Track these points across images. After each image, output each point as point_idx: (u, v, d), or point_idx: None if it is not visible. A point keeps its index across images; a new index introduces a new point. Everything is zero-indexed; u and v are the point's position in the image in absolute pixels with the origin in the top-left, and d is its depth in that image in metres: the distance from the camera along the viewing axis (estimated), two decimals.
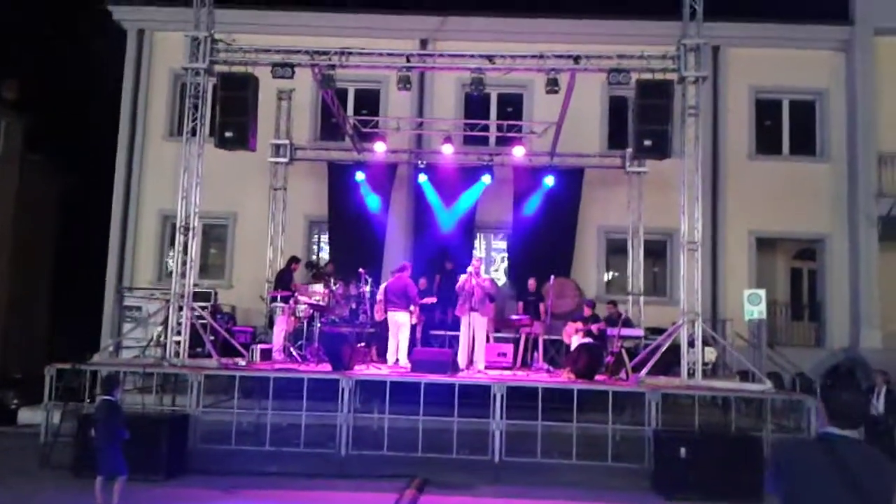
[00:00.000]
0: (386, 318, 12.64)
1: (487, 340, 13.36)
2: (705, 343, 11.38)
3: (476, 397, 10.34)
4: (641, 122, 11.21)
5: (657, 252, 17.47)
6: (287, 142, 16.36)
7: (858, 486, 2.88)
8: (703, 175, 11.71)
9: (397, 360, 12.16)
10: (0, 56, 22.29)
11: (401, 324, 12.29)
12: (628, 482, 9.64)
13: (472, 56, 11.82)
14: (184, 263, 11.23)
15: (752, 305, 12.76)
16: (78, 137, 23.38)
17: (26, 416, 13.40)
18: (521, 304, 14.69)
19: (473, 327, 12.16)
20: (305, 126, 17.61)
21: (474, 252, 17.39)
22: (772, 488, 3.16)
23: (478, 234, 17.58)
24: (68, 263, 26.72)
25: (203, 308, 12.12)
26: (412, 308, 12.51)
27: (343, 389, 10.04)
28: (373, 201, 16.53)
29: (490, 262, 18.18)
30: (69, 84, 23.51)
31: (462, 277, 12.30)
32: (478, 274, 12.29)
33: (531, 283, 14.61)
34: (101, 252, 17.94)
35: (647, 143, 11.13)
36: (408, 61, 11.76)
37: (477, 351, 12.20)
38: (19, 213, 24.69)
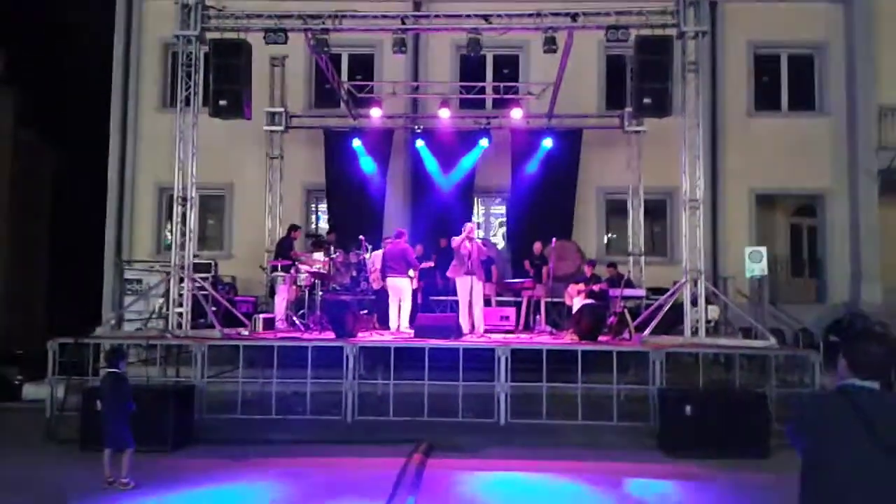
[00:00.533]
0: (385, 286, 12.62)
1: (488, 304, 13.38)
2: (707, 301, 11.38)
3: (481, 361, 10.35)
4: (641, 79, 11.09)
5: (657, 211, 17.40)
6: (282, 109, 16.20)
7: (883, 437, 2.85)
8: (702, 133, 11.62)
9: (399, 326, 12.14)
10: None
11: (401, 289, 12.25)
12: (633, 441, 9.70)
13: (467, 16, 11.62)
14: (182, 235, 11.17)
15: (753, 262, 12.77)
16: (70, 111, 23.15)
17: (31, 391, 13.42)
18: (527, 261, 14.61)
19: (472, 291, 12.13)
20: (300, 93, 17.42)
21: (472, 217, 17.39)
22: (794, 442, 3.14)
23: (476, 199, 17.47)
24: (66, 238, 26.65)
25: (203, 279, 12.07)
26: (412, 273, 12.45)
27: (347, 356, 10.04)
28: (370, 168, 16.42)
29: (489, 226, 18.12)
30: (59, 57, 23.21)
31: (455, 239, 12.18)
32: (470, 237, 12.19)
33: (536, 246, 14.53)
34: (98, 226, 17.85)
35: (647, 100, 11.02)
36: (402, 23, 11.60)
37: (476, 315, 12.17)
38: (14, 190, 24.58)
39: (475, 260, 12.01)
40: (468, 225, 12.53)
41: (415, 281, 12.78)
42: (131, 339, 11.18)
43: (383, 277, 12.58)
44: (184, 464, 8.77)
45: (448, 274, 12.41)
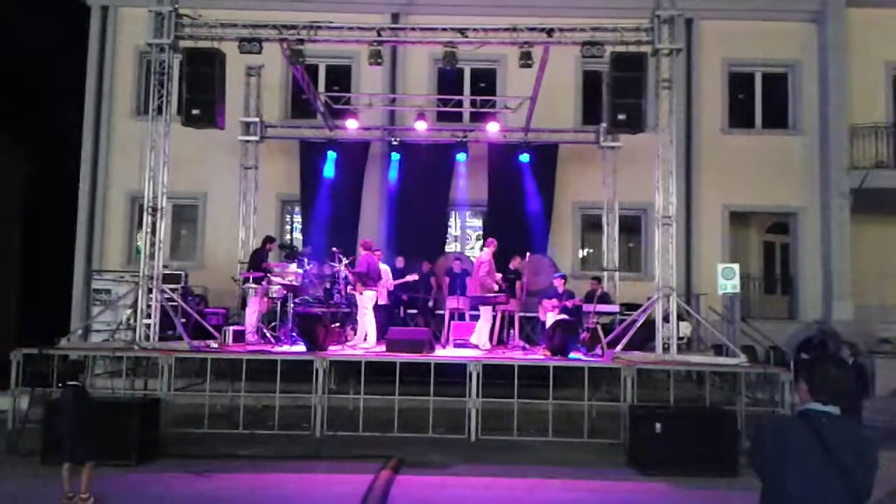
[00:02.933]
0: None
1: (462, 318, 13.33)
2: (680, 318, 11.40)
3: (452, 375, 10.28)
4: (615, 95, 11.11)
5: (632, 227, 17.47)
6: (257, 120, 16.10)
7: (839, 463, 2.83)
8: (676, 149, 11.68)
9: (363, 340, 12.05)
10: None
11: (360, 304, 12.15)
12: (604, 458, 9.67)
13: (444, 29, 11.60)
14: (152, 245, 11.00)
15: (726, 279, 12.79)
16: (43, 118, 22.84)
17: None
18: (500, 275, 14.57)
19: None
20: (276, 104, 17.32)
21: (448, 230, 17.36)
22: (753, 465, 3.10)
23: (453, 213, 17.44)
24: (36, 247, 26.21)
25: (173, 290, 11.90)
26: (372, 287, 12.25)
27: (317, 370, 9.92)
28: (346, 180, 16.34)
29: (465, 240, 18.08)
30: (33, 63, 22.91)
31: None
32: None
33: (515, 261, 14.46)
34: (70, 235, 17.58)
35: (621, 116, 11.04)
36: (378, 35, 11.53)
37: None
38: None
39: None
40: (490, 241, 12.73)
41: (379, 295, 12.54)
42: (97, 351, 10.99)
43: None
44: (148, 479, 8.61)
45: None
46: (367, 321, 12.01)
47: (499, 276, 12.57)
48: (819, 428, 2.91)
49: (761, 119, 17.81)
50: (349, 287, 12.48)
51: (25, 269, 27.07)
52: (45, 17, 21.62)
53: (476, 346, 12.09)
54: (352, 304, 12.64)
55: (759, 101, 17.83)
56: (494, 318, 12.64)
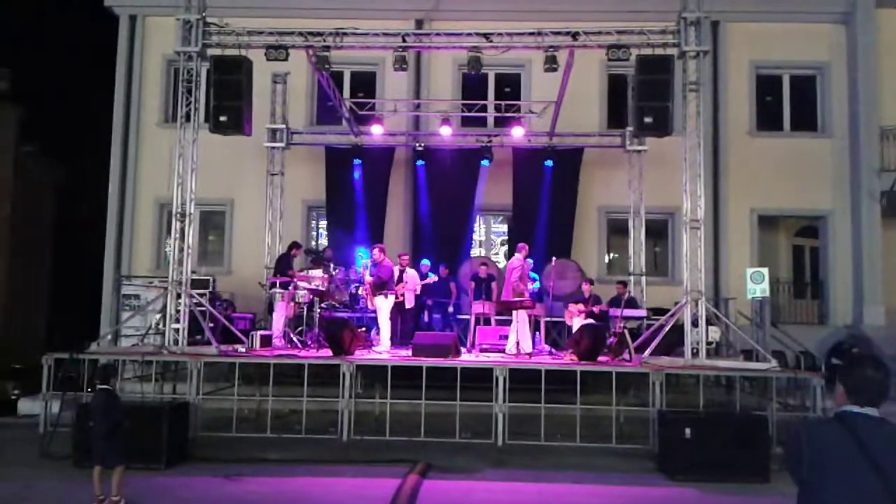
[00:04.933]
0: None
1: (488, 323, 13.30)
2: (708, 322, 11.27)
3: (478, 380, 10.26)
4: (642, 98, 11.04)
5: (658, 231, 17.33)
6: (283, 126, 16.21)
7: (879, 466, 2.77)
8: (704, 152, 11.56)
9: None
10: None
11: (378, 309, 12.21)
12: (633, 463, 9.60)
13: (468, 35, 11.61)
14: (180, 250, 11.10)
15: (755, 284, 12.64)
16: (72, 127, 23.22)
17: (26, 406, 13.31)
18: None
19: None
20: (302, 110, 17.46)
21: (474, 235, 17.36)
22: (791, 470, 3.05)
23: (477, 218, 17.43)
24: (67, 253, 26.64)
25: (201, 295, 12.00)
26: (386, 292, 12.26)
27: (344, 374, 9.95)
28: (371, 185, 16.41)
29: (490, 245, 18.06)
30: (62, 73, 23.31)
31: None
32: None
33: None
34: (99, 241, 17.83)
35: (648, 119, 10.97)
36: (403, 41, 11.57)
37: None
38: (17, 204, 24.57)
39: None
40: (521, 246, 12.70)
41: (392, 299, 12.53)
42: (127, 355, 11.11)
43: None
44: (177, 482, 8.67)
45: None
46: (382, 326, 12.08)
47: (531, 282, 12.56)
48: (857, 430, 2.85)
49: (790, 121, 17.62)
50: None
51: (57, 275, 27.50)
52: (74, 27, 21.99)
53: (520, 354, 11.95)
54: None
55: (788, 103, 17.64)
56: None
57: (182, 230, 11.15)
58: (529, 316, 13.33)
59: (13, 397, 16.99)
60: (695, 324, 10.71)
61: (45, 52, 21.83)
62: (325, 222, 17.27)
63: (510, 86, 17.66)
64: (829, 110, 17.34)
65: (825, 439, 2.92)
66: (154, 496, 7.95)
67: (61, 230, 27.45)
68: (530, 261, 13.50)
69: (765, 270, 12.84)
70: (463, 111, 16.53)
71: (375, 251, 12.46)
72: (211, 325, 11.51)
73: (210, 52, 11.54)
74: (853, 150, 16.93)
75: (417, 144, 16.47)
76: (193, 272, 11.84)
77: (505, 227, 17.84)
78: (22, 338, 24.73)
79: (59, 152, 24.51)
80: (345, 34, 11.51)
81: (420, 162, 16.45)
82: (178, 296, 10.99)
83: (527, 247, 12.78)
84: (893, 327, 15.68)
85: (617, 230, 17.13)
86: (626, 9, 15.89)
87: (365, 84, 17.70)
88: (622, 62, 11.71)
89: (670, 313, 11.26)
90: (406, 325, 12.38)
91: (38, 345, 20.64)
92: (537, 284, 13.81)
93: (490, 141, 16.17)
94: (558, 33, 11.43)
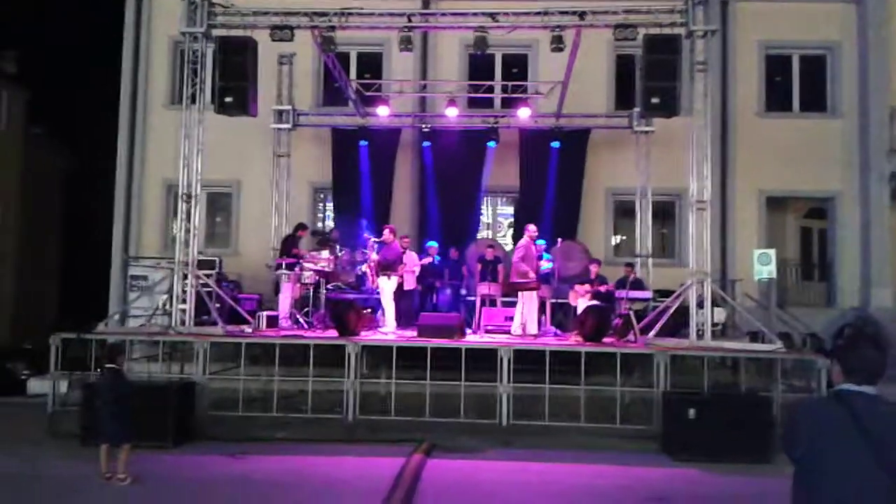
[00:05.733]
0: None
1: (493, 304, 13.31)
2: (714, 303, 11.26)
3: (483, 361, 10.29)
4: (649, 78, 10.98)
5: (666, 213, 17.27)
6: (289, 107, 16.20)
7: (877, 444, 2.76)
8: (711, 133, 11.50)
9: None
10: None
11: (381, 289, 12.25)
12: (637, 444, 9.62)
13: (474, 14, 11.55)
14: (187, 231, 11.15)
15: (762, 265, 12.60)
16: (80, 109, 23.25)
17: (35, 385, 13.46)
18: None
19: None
20: (308, 91, 17.40)
21: (480, 217, 17.32)
22: (787, 449, 3.04)
23: (484, 199, 17.40)
24: (77, 235, 26.76)
25: (208, 276, 12.06)
26: (390, 273, 12.31)
27: (349, 355, 10.00)
28: (377, 167, 16.38)
29: (497, 226, 18.03)
30: (69, 55, 23.31)
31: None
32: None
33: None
34: (107, 223, 17.91)
35: (655, 100, 10.90)
36: (409, 21, 11.53)
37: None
38: (25, 186, 24.69)
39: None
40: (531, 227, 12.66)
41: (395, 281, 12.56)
42: (134, 335, 11.17)
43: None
44: (183, 460, 8.78)
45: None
46: (385, 307, 12.12)
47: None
48: (854, 408, 2.83)
49: (799, 102, 17.46)
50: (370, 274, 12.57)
51: (67, 256, 27.66)
52: (81, 8, 21.95)
53: (525, 335, 11.98)
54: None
55: (797, 83, 17.46)
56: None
57: (188, 211, 11.20)
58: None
59: (23, 377, 17.16)
60: (700, 305, 10.71)
61: (52, 35, 21.85)
62: (332, 204, 17.26)
63: (517, 67, 17.54)
64: (839, 91, 17.17)
65: (822, 418, 2.91)
66: (160, 474, 8.03)
67: (70, 212, 27.56)
68: (542, 242, 13.48)
69: (772, 252, 12.77)
70: (469, 92, 16.46)
71: (386, 231, 12.50)
72: (217, 305, 11.58)
73: (215, 32, 11.53)
74: (862, 132, 16.77)
75: (424, 126, 16.42)
76: (200, 253, 11.91)
77: (512, 209, 17.79)
78: (33, 318, 24.95)
79: (67, 134, 24.57)
80: (350, 14, 11.48)
81: (426, 143, 16.39)
82: (185, 276, 11.05)
83: (532, 228, 12.73)
84: None
85: (624, 212, 17.07)
86: None
87: (371, 65, 17.62)
88: (630, 42, 11.62)
89: (675, 294, 11.26)
90: (407, 306, 12.40)
91: (49, 326, 20.83)
92: (549, 265, 13.77)
93: (496, 122, 16.10)
94: (565, 13, 11.36)
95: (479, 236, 16.84)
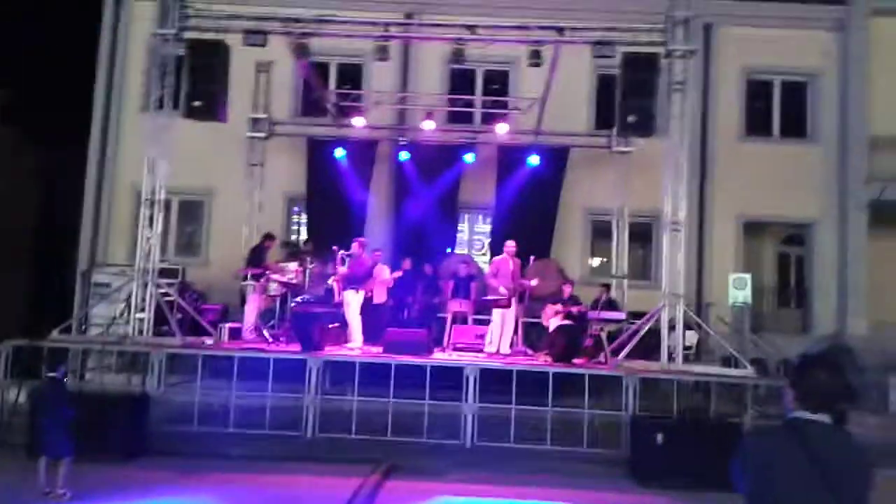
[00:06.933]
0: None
1: (465, 322, 13.05)
2: (687, 327, 11.07)
3: (450, 379, 10.03)
4: (627, 96, 10.85)
5: (643, 235, 17.08)
6: (265, 116, 15.92)
7: (831, 479, 2.52)
8: (691, 156, 11.43)
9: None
10: None
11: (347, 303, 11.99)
12: (604, 468, 9.34)
13: (452, 27, 11.38)
14: (148, 238, 10.83)
15: (738, 290, 12.50)
16: (55, 110, 22.83)
17: None
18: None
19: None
20: (286, 101, 17.14)
21: (458, 235, 17.09)
22: (736, 481, 2.79)
23: (463, 216, 17.18)
24: (49, 238, 26.23)
25: (170, 285, 11.73)
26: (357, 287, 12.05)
27: (310, 370, 9.69)
28: (353, 179, 16.12)
29: (473, 243, 17.76)
30: (44, 56, 22.94)
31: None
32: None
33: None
34: (79, 228, 17.49)
35: (632, 118, 10.77)
36: (386, 30, 11.32)
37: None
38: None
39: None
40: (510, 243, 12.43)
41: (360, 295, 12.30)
42: (87, 344, 10.82)
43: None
44: (131, 476, 8.40)
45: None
46: (351, 322, 11.82)
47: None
48: (806, 438, 2.60)
49: (779, 128, 17.41)
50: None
51: (36, 262, 27.10)
52: (58, 9, 21.63)
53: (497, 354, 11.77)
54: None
55: (778, 109, 17.42)
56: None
57: (151, 218, 10.88)
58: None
59: None
60: (672, 328, 10.51)
61: (27, 34, 21.49)
62: (305, 215, 16.96)
63: (498, 83, 17.38)
64: (819, 118, 17.14)
65: (772, 448, 2.67)
66: (105, 491, 7.66)
67: (43, 215, 27.05)
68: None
69: (747, 277, 12.69)
70: (449, 106, 16.28)
71: (355, 245, 12.24)
72: (179, 316, 11.24)
73: (187, 35, 11.27)
74: (842, 159, 16.74)
75: (401, 139, 16.21)
76: (164, 261, 11.58)
77: (489, 227, 17.55)
78: (3, 324, 24.35)
79: (41, 136, 24.10)
80: (325, 22, 11.27)
81: (405, 157, 16.17)
82: (145, 285, 10.71)
83: (510, 245, 12.51)
84: (877, 338, 15.47)
85: (603, 233, 16.88)
86: (616, 8, 15.60)
87: (351, 77, 17.40)
88: (611, 62, 11.46)
89: (647, 316, 11.05)
90: (377, 320, 12.12)
91: (13, 333, 20.28)
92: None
93: (475, 137, 15.92)
94: (544, 27, 11.24)
95: (456, 252, 16.59)
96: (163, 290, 10.97)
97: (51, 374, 7.14)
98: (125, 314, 10.99)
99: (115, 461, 8.68)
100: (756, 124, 17.34)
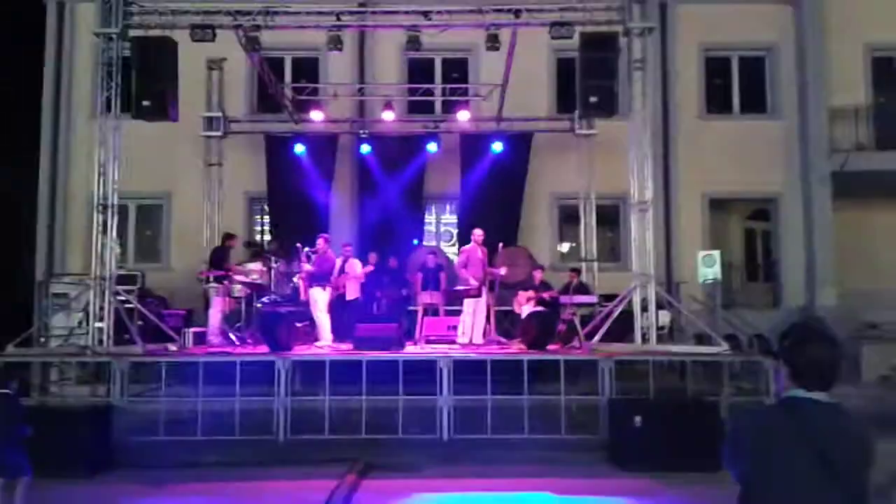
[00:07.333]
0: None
1: (436, 314, 12.86)
2: (659, 307, 10.98)
3: (424, 373, 9.82)
4: (586, 77, 10.72)
5: (611, 217, 17.02)
6: (220, 114, 15.53)
7: (830, 459, 2.36)
8: (653, 136, 11.33)
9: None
10: None
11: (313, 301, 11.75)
12: (584, 454, 9.19)
13: (406, 13, 11.12)
14: (103, 245, 10.46)
15: (707, 267, 12.44)
16: (3, 120, 22.15)
17: None
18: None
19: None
20: (241, 98, 16.77)
21: (426, 227, 16.87)
22: (729, 464, 2.62)
23: (429, 206, 16.96)
24: (2, 251, 25.48)
25: (129, 291, 11.35)
26: (324, 284, 11.85)
27: (279, 371, 9.42)
28: (314, 174, 15.81)
29: (442, 235, 17.53)
30: None
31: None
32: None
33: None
34: (35, 239, 16.97)
35: (593, 99, 10.64)
36: (338, 19, 11.04)
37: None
38: None
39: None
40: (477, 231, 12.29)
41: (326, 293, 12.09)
42: (47, 356, 10.43)
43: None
44: (96, 492, 8.11)
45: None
46: (319, 320, 11.56)
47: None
48: (804, 418, 2.44)
49: (739, 104, 17.42)
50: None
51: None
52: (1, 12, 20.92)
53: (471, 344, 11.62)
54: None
55: (737, 85, 17.43)
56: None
57: (105, 223, 10.51)
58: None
59: None
60: (644, 308, 10.41)
61: None
62: (268, 214, 16.61)
63: (458, 71, 17.16)
64: (779, 92, 17.18)
65: (767, 430, 2.50)
66: None
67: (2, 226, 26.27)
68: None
69: (716, 254, 12.64)
70: (409, 96, 16.03)
71: (320, 241, 11.98)
72: (140, 322, 10.88)
73: (132, 33, 10.89)
74: (802, 132, 16.80)
75: (362, 131, 15.93)
76: (121, 267, 11.20)
77: (456, 218, 17.35)
78: None
79: None
80: (275, 13, 10.95)
81: (366, 150, 15.90)
82: (103, 293, 10.34)
83: (478, 233, 12.33)
84: (847, 308, 15.59)
85: (570, 217, 16.77)
86: None
87: (307, 71, 17.05)
88: (571, 44, 11.30)
89: (619, 298, 10.95)
90: (348, 316, 11.87)
91: None
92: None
93: (437, 126, 15.70)
94: (500, 10, 11.03)
95: (424, 243, 16.37)
96: (122, 298, 10.58)
97: (2, 391, 6.76)
98: (83, 324, 10.58)
99: (78, 477, 8.36)
100: (716, 101, 17.33)
